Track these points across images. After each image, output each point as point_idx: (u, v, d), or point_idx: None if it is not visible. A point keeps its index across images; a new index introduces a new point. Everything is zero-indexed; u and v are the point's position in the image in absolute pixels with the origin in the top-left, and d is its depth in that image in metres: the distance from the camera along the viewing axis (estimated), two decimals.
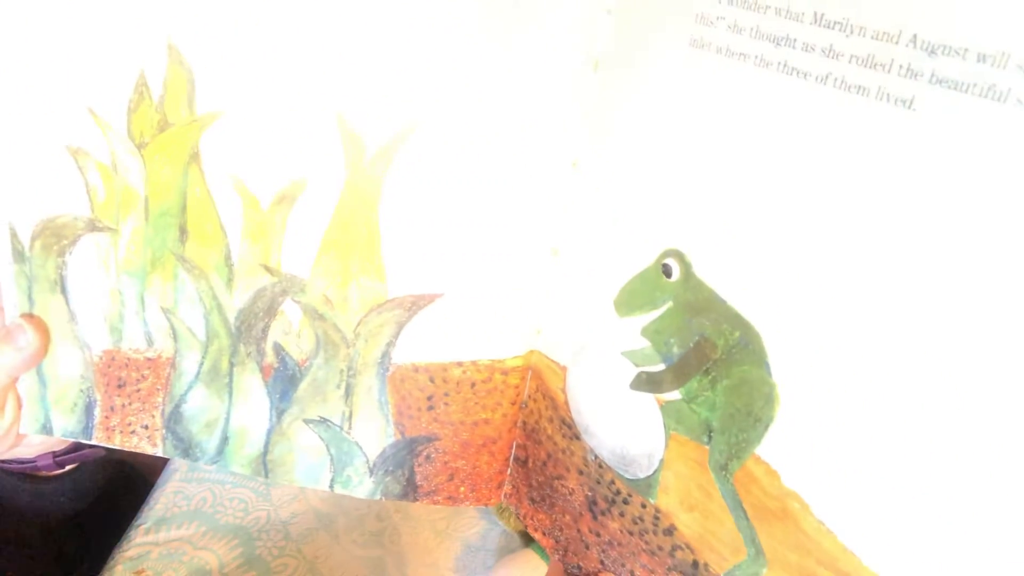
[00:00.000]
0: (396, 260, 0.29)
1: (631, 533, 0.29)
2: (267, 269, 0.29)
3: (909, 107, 0.20)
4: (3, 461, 0.36)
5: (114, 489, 0.44)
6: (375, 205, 0.28)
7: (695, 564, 0.27)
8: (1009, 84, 0.18)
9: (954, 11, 0.19)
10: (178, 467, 0.48)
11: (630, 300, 0.28)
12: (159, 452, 0.33)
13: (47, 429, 0.32)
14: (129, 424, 0.32)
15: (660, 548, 0.28)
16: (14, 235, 0.29)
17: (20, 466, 0.37)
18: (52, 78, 0.27)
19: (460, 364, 0.31)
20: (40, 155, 0.28)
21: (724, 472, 0.26)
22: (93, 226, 0.29)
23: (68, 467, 0.38)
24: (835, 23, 0.21)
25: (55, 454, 0.37)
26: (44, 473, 0.38)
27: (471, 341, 0.30)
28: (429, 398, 0.31)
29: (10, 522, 0.37)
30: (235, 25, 0.26)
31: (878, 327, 0.21)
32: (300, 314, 0.30)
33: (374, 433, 0.32)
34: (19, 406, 0.32)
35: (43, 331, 0.30)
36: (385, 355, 0.30)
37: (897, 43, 0.20)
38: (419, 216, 0.29)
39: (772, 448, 0.24)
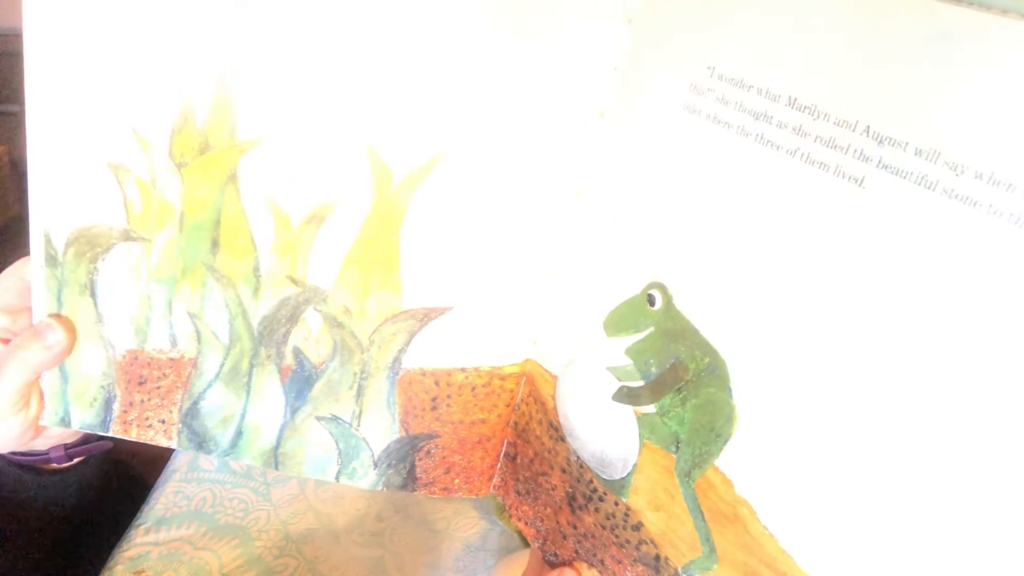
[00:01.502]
0: (412, 276, 0.32)
1: (604, 527, 0.33)
2: (293, 281, 0.32)
3: (860, 185, 0.24)
4: (17, 453, 0.37)
5: (113, 488, 0.44)
6: (398, 227, 0.31)
7: (657, 557, 0.31)
8: (937, 176, 0.22)
9: (900, 111, 0.23)
10: (178, 467, 0.48)
11: (617, 323, 0.32)
12: (173, 445, 0.35)
13: (66, 422, 0.34)
14: (147, 419, 0.34)
15: (628, 541, 0.32)
16: (48, 241, 0.31)
17: (32, 458, 0.38)
18: (100, 99, 0.29)
19: (463, 370, 0.34)
20: (81, 169, 0.30)
21: (687, 479, 0.29)
22: (127, 236, 0.31)
23: (76, 460, 0.40)
24: (805, 107, 0.26)
25: (66, 446, 0.38)
26: (52, 466, 0.39)
27: (475, 349, 0.34)
28: (433, 399, 0.35)
29: (13, 516, 0.38)
30: (279, 62, 0.29)
31: (825, 364, 0.25)
32: (320, 321, 0.33)
33: (381, 430, 0.35)
34: (41, 399, 0.33)
35: (71, 330, 0.32)
36: (396, 360, 0.34)
37: (854, 130, 0.24)
38: (436, 237, 0.32)
39: (729, 460, 0.28)
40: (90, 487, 0.41)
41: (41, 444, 0.37)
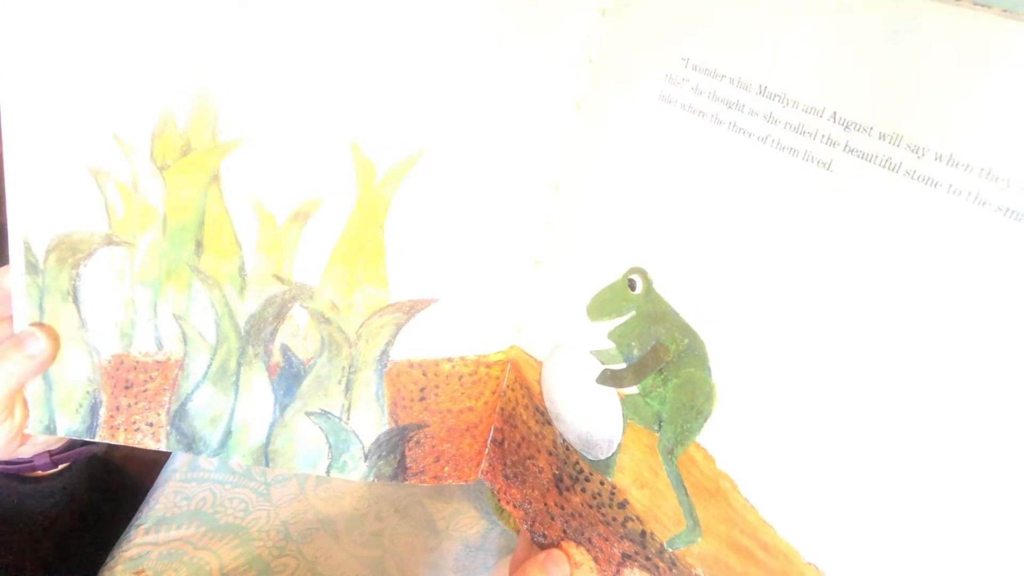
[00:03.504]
0: (398, 269, 0.33)
1: (590, 506, 0.34)
2: (279, 279, 0.32)
3: (828, 168, 0.25)
4: (1, 461, 0.37)
5: (103, 491, 0.44)
6: (382, 221, 0.32)
7: (643, 533, 0.32)
8: (900, 159, 0.24)
9: (863, 97, 0.24)
10: (177, 467, 0.48)
11: (600, 307, 0.33)
12: (162, 447, 0.35)
13: (51, 429, 0.34)
14: (134, 422, 0.34)
15: (614, 519, 0.33)
16: (28, 248, 0.31)
17: (17, 466, 0.37)
18: (80, 106, 0.28)
19: (450, 360, 0.35)
20: (60, 175, 0.29)
21: (670, 456, 0.31)
22: (110, 240, 0.31)
23: (61, 466, 0.39)
24: (775, 95, 0.27)
25: (51, 452, 0.38)
26: (38, 473, 0.39)
27: (461, 339, 0.35)
28: (421, 390, 0.35)
29: (1, 524, 0.38)
30: (259, 61, 0.29)
31: (799, 343, 0.26)
32: (307, 318, 0.33)
33: (370, 423, 0.35)
34: (25, 407, 0.33)
35: (54, 338, 0.32)
36: (384, 353, 0.34)
37: (821, 116, 0.26)
38: (420, 230, 0.32)
39: (710, 437, 0.29)
40: (78, 492, 0.41)
41: (26, 451, 0.37)
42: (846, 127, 0.25)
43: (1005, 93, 0.22)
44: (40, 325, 0.32)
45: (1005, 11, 0.22)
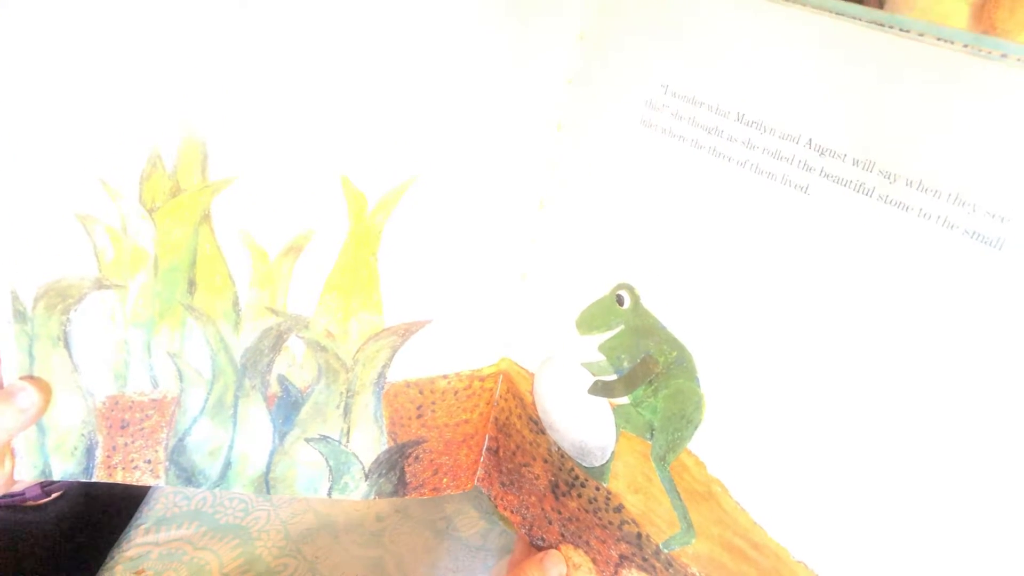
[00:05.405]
0: (392, 294, 0.33)
1: (587, 511, 0.36)
2: (273, 311, 0.32)
3: (805, 192, 0.27)
4: None
5: (97, 514, 0.43)
6: (375, 249, 0.32)
7: (639, 535, 0.34)
8: (873, 184, 0.26)
9: (837, 126, 0.26)
10: None
11: (589, 321, 0.34)
12: (161, 483, 0.35)
13: (46, 473, 0.33)
14: (132, 460, 0.34)
15: (611, 523, 0.35)
16: (15, 297, 0.30)
17: (9, 499, 0.37)
18: (64, 152, 0.28)
19: (445, 376, 0.36)
20: (47, 222, 0.29)
21: (663, 462, 0.32)
22: (100, 284, 0.30)
23: (54, 495, 0.39)
24: (753, 122, 0.28)
25: (42, 484, 0.37)
26: (30, 503, 0.38)
27: (454, 356, 0.36)
28: (418, 408, 0.36)
29: None
30: (246, 100, 0.29)
31: (780, 354, 0.28)
32: (303, 347, 0.34)
33: (369, 443, 0.36)
34: (13, 455, 0.33)
35: (45, 391, 0.31)
36: (381, 376, 0.35)
37: (797, 143, 0.27)
38: (412, 255, 0.33)
39: (700, 444, 0.30)
40: (69, 517, 0.40)
41: (17, 485, 0.36)
42: (821, 153, 0.27)
43: (969, 123, 0.23)
44: (31, 378, 0.31)
45: (966, 46, 0.24)
